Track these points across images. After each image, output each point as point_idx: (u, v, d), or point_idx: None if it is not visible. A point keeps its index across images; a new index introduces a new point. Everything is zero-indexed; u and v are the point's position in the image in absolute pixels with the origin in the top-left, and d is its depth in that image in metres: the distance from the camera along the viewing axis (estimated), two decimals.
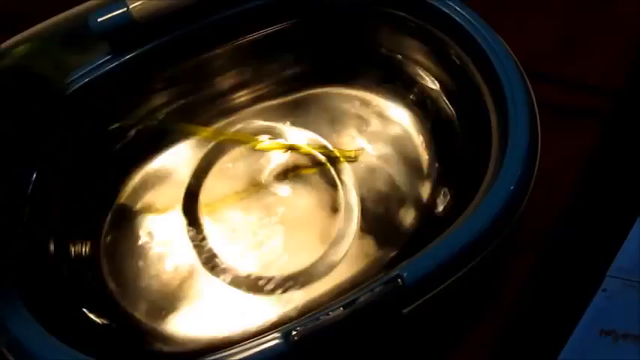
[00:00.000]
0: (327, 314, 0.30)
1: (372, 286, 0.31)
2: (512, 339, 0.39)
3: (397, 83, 0.44)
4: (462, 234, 0.32)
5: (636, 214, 0.40)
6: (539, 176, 0.34)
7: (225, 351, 0.30)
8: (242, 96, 0.46)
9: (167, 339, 0.38)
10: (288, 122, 0.45)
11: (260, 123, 0.45)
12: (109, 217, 0.42)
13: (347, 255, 0.40)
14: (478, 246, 0.32)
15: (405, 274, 0.30)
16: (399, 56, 0.43)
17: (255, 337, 0.30)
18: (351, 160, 0.42)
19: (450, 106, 0.41)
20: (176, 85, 0.44)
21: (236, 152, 0.45)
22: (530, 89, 0.36)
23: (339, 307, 0.30)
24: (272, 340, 0.30)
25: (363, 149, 0.43)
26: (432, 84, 0.43)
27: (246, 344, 0.30)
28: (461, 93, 0.40)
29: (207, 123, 0.45)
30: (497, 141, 0.35)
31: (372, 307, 0.30)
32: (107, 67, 0.39)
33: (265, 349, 0.29)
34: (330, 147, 0.44)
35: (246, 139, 0.44)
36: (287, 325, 0.30)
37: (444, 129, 0.42)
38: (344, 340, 0.31)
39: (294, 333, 0.30)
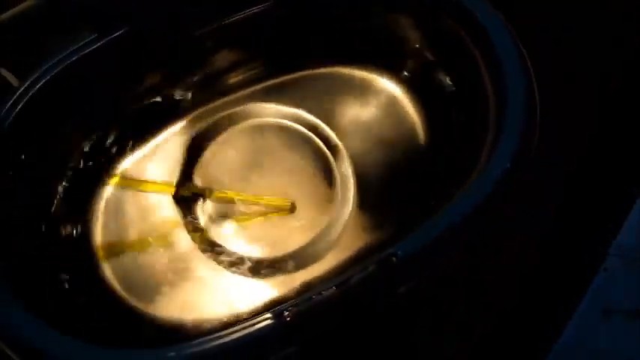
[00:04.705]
0: (320, 294, 0.29)
1: (365, 265, 0.30)
2: (513, 321, 0.39)
3: (393, 60, 0.43)
4: (458, 211, 0.31)
5: (637, 191, 0.39)
6: (537, 156, 0.33)
7: (220, 332, 0.30)
8: (236, 76, 0.45)
9: (160, 321, 0.37)
10: (283, 102, 0.44)
11: (255, 103, 0.44)
12: (102, 198, 0.42)
13: (343, 236, 0.40)
14: (474, 223, 0.31)
15: (399, 252, 0.30)
16: (394, 33, 0.42)
17: (250, 318, 0.30)
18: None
19: (446, 82, 0.41)
20: (168, 66, 0.43)
21: (234, 131, 0.44)
22: (527, 62, 0.35)
23: (332, 287, 0.30)
24: (264, 321, 0.29)
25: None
26: (427, 60, 0.42)
27: (239, 325, 0.29)
28: (458, 69, 0.39)
29: (201, 103, 0.44)
30: (495, 118, 0.35)
31: (366, 287, 0.30)
32: (92, 47, 0.38)
33: (257, 330, 0.29)
34: (324, 127, 0.43)
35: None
36: (279, 305, 0.30)
37: (440, 106, 0.41)
38: (339, 320, 0.31)
39: (286, 313, 0.29)
